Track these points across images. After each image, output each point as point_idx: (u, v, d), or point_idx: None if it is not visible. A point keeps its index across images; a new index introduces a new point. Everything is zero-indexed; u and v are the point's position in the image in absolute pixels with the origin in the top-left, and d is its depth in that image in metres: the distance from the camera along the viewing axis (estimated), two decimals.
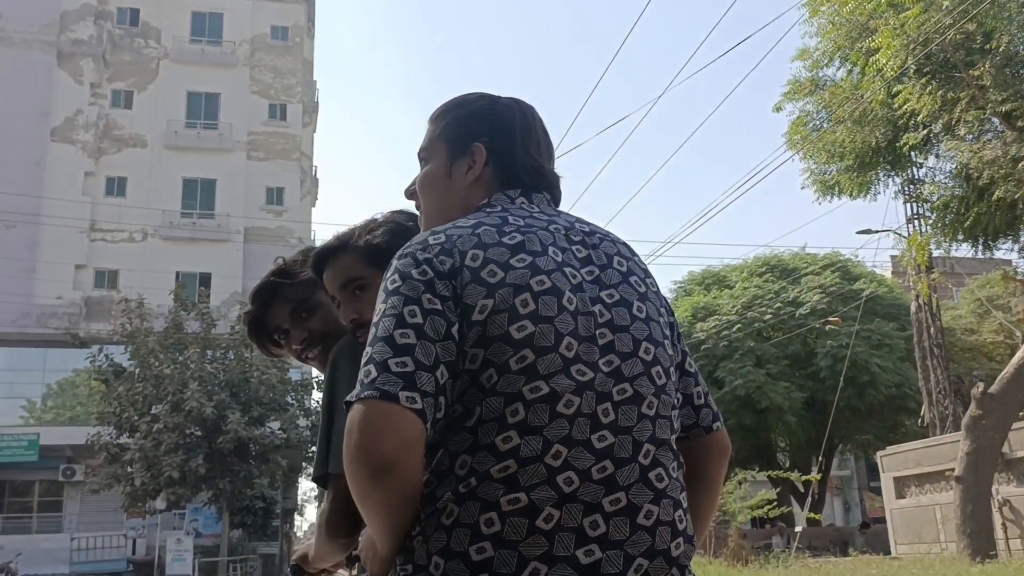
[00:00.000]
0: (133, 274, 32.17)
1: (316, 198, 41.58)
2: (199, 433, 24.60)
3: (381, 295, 1.37)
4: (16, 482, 32.22)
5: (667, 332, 1.49)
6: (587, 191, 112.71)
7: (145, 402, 25.02)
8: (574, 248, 1.46)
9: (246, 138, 35.52)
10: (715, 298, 27.69)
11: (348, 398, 1.29)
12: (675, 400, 1.46)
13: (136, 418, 24.88)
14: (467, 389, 1.31)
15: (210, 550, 26.45)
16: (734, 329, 25.49)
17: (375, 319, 1.35)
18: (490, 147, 1.57)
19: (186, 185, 34.68)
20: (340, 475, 1.61)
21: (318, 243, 2.11)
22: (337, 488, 1.69)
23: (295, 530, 37.98)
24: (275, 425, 26.20)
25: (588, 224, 1.54)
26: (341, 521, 1.70)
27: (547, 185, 1.59)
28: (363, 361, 1.30)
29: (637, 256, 1.54)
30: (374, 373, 1.26)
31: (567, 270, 1.40)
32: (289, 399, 26.87)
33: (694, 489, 1.48)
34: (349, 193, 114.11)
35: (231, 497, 25.29)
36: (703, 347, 25.59)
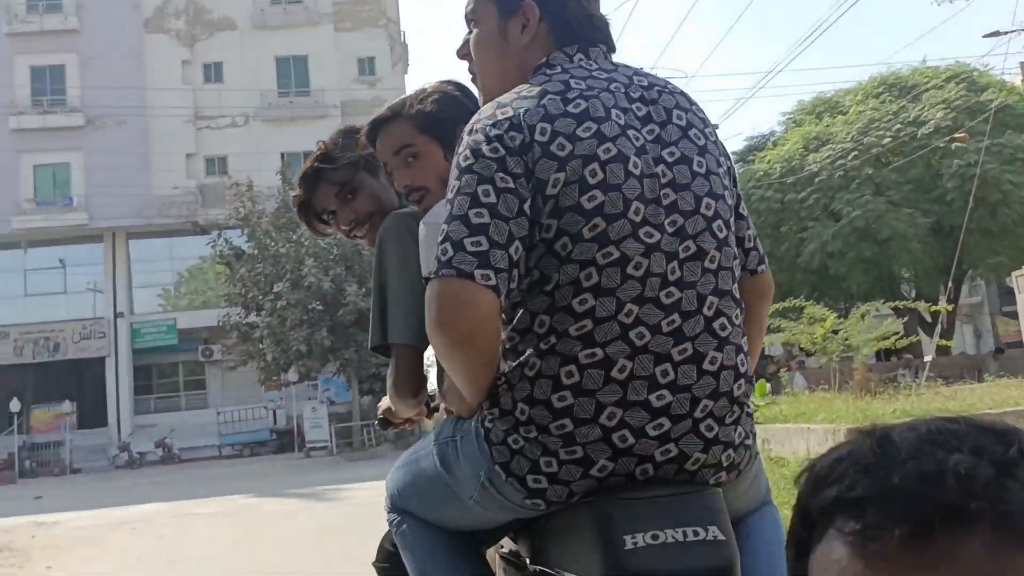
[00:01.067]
0: (240, 158, 32.86)
1: (407, 64, 41.01)
2: (320, 307, 25.45)
3: (454, 171, 1.43)
4: (161, 365, 34.61)
5: (726, 182, 1.54)
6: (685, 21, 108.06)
7: (267, 281, 25.99)
8: (634, 107, 1.49)
9: (332, 9, 35.10)
10: (828, 126, 26.30)
11: (426, 274, 1.42)
12: (736, 251, 1.54)
13: (260, 297, 25.95)
14: (543, 256, 1.41)
15: (343, 416, 27.87)
16: (850, 157, 24.23)
17: (449, 195, 1.41)
18: (540, 2, 1.55)
19: (279, 64, 34.75)
20: (399, 344, 1.83)
21: None
22: (398, 356, 1.85)
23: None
24: None
25: (646, 76, 1.57)
26: (406, 384, 1.87)
27: (601, 36, 1.59)
28: (440, 238, 1.38)
29: (696, 105, 1.57)
30: (451, 252, 1.35)
31: (630, 132, 1.45)
32: None
33: None
34: (439, 54, 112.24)
35: (357, 366, 26.32)
36: (817, 179, 24.52)
